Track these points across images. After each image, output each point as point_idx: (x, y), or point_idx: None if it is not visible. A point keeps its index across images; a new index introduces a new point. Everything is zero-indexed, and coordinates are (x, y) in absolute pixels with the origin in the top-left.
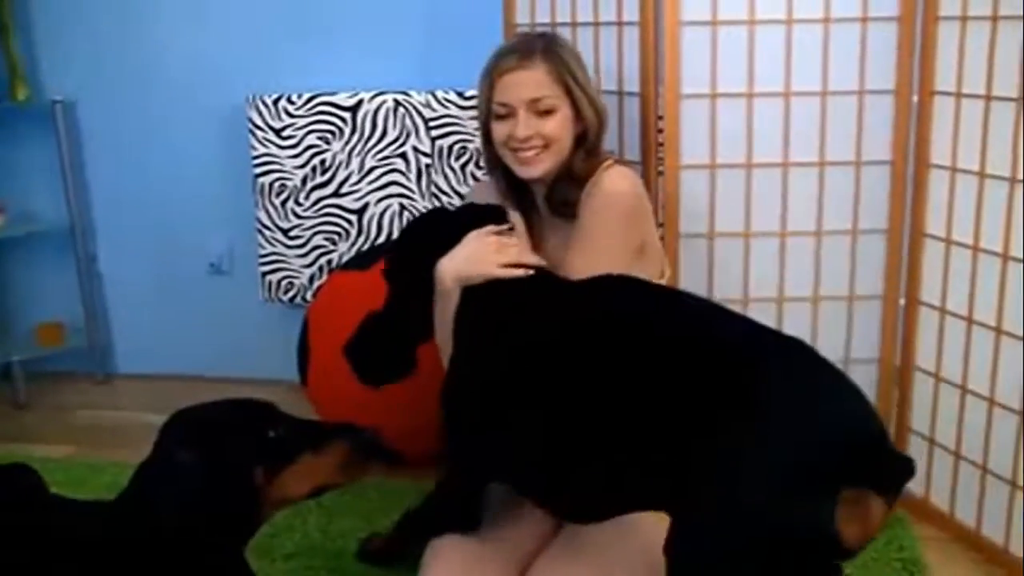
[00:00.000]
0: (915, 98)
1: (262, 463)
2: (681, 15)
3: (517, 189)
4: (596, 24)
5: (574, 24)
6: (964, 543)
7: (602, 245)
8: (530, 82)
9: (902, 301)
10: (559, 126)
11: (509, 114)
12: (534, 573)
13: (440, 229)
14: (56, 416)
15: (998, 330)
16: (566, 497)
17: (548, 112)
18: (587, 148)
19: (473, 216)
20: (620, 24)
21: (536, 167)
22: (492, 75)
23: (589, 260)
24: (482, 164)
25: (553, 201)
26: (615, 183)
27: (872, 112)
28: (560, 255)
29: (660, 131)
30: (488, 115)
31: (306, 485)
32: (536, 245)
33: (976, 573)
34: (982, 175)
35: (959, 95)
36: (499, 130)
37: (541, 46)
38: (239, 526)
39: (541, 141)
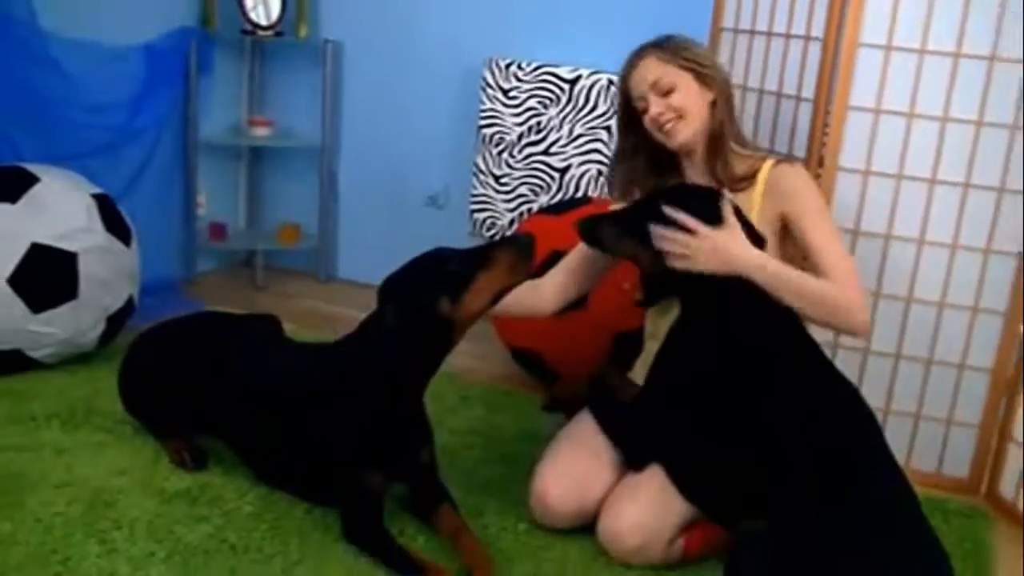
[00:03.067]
0: None
1: (446, 293)
2: (860, 37)
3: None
4: (788, 36)
5: (770, 34)
6: None
7: (832, 227)
8: (645, 71)
9: (1022, 331)
10: (683, 97)
11: (645, 105)
12: (613, 497)
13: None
14: (284, 301)
15: None
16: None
17: (669, 90)
18: (726, 111)
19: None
20: (807, 38)
21: (678, 135)
22: (622, 84)
23: (834, 236)
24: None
25: (721, 177)
26: (802, 174)
27: (1021, 145)
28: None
29: (825, 135)
30: (630, 117)
31: (487, 297)
32: None
33: None
34: None
35: None
36: (646, 122)
37: (651, 43)
38: (444, 342)
39: (673, 113)
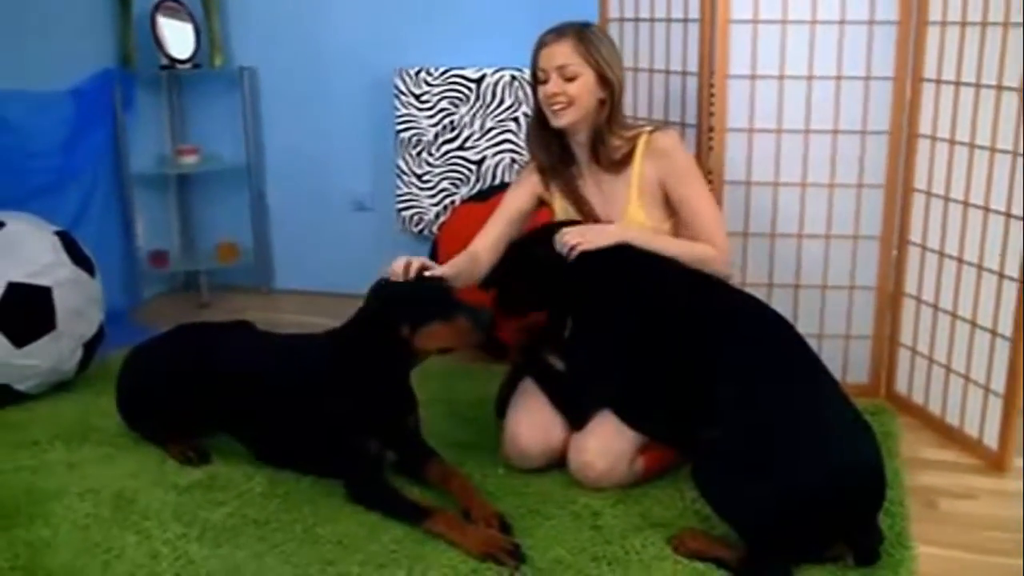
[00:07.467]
0: (908, 84)
1: (407, 322)
2: (731, 14)
3: (563, 148)
4: (668, 20)
5: (652, 20)
6: (931, 427)
7: (703, 186)
8: (558, 53)
9: (895, 252)
10: (580, 88)
11: (546, 78)
12: (575, 439)
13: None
14: (231, 316)
15: (960, 260)
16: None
17: (572, 78)
18: (611, 110)
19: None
20: (686, 21)
21: (562, 118)
22: (536, 48)
23: (706, 198)
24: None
25: (603, 161)
26: (673, 136)
27: (875, 93)
28: (610, 200)
29: (712, 103)
30: (535, 80)
31: (436, 343)
32: (582, 197)
33: (937, 447)
34: (952, 142)
35: (939, 82)
36: (540, 91)
37: (573, 29)
38: (402, 357)
39: (566, 99)
